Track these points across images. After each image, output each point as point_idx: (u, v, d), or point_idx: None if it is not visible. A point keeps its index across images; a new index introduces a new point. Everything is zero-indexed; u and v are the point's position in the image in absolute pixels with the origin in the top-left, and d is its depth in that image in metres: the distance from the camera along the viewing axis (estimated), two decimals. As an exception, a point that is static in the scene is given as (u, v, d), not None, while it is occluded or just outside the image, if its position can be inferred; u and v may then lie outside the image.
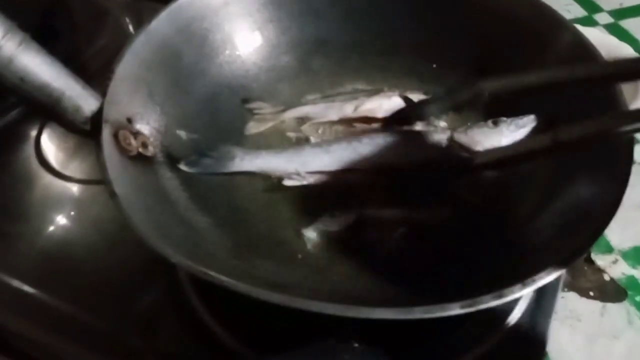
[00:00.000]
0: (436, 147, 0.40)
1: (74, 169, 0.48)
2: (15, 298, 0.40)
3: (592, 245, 0.30)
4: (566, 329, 0.40)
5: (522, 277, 0.28)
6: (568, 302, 0.41)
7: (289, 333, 0.36)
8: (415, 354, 0.37)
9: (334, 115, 0.44)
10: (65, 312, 0.39)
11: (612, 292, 0.41)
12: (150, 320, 0.38)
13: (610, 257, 0.43)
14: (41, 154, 0.49)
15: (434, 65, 0.46)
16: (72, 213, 0.46)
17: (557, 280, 0.38)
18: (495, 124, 0.40)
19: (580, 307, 0.41)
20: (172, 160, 0.38)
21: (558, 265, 0.28)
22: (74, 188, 0.47)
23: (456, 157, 0.40)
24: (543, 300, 0.39)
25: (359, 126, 0.44)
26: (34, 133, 0.50)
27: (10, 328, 0.39)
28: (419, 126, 0.43)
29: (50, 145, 0.50)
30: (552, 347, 0.37)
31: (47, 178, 0.47)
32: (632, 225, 0.44)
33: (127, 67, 0.37)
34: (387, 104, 0.44)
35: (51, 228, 0.45)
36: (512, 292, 0.27)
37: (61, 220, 0.45)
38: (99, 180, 0.47)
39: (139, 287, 0.40)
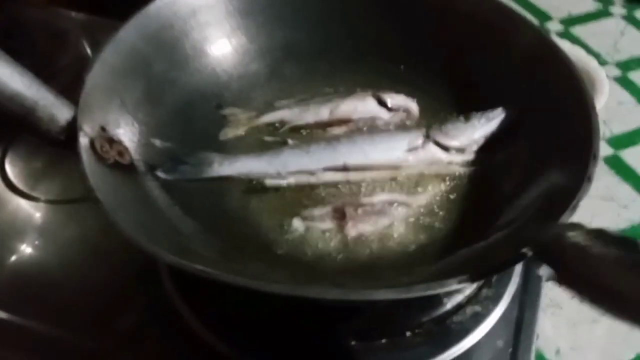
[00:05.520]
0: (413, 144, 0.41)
1: (42, 190, 0.46)
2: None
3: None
4: (548, 317, 0.41)
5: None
6: (548, 291, 0.41)
7: (285, 336, 0.35)
8: (408, 345, 0.37)
9: (310, 119, 0.44)
10: (45, 335, 0.38)
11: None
12: (135, 334, 0.37)
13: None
14: (6, 176, 0.47)
15: (402, 67, 0.47)
16: (44, 234, 0.44)
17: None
18: (467, 118, 0.42)
19: (560, 295, 0.42)
20: (150, 168, 0.37)
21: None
22: (44, 209, 0.45)
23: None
24: (529, 288, 0.39)
25: (336, 129, 0.44)
26: (-3, 155, 0.48)
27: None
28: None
29: (16, 167, 0.48)
30: (536, 335, 0.38)
31: (15, 200, 0.46)
32: (599, 216, 0.46)
33: (97, 76, 0.36)
34: (362, 105, 0.44)
35: (23, 251, 0.43)
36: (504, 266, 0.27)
37: (33, 242, 0.43)
38: (68, 200, 0.47)
39: (120, 304, 0.39)
